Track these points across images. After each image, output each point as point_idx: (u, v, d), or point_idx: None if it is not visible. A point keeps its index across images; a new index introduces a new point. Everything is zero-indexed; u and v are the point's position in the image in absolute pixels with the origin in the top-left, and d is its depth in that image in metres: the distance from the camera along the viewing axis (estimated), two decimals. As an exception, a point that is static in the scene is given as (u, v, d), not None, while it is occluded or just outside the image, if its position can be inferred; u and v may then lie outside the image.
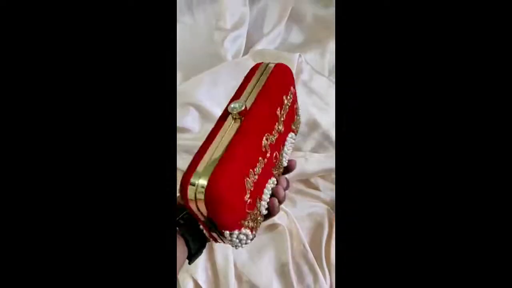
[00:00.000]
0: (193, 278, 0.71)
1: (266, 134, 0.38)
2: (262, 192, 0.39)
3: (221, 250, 0.72)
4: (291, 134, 0.44)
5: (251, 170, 0.35)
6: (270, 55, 0.84)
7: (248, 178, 0.35)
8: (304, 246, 0.72)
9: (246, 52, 0.88)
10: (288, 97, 0.42)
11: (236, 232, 0.36)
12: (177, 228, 0.41)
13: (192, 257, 0.43)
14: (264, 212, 0.40)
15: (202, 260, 0.73)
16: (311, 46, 0.87)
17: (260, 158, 0.37)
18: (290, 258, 0.72)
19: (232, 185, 0.33)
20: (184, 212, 0.41)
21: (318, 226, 0.73)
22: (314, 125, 0.77)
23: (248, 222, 0.37)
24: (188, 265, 0.47)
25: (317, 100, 0.80)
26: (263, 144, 0.37)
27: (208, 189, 0.31)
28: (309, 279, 0.71)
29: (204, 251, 0.72)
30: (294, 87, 0.45)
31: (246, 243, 0.39)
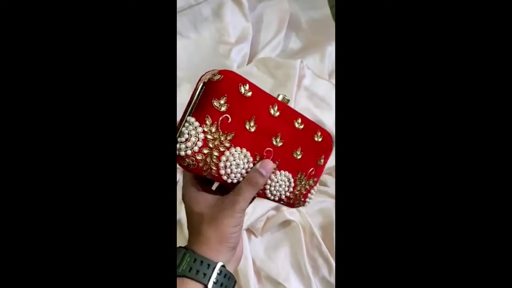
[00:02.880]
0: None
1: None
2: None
3: (239, 249, 0.76)
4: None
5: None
6: (273, 63, 0.89)
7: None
8: (317, 239, 0.76)
9: (250, 61, 0.93)
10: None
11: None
12: (202, 281, 0.37)
13: None
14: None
15: (222, 260, 0.77)
16: (310, 52, 0.92)
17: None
18: (305, 252, 0.75)
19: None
20: (190, 258, 0.39)
21: (329, 220, 0.77)
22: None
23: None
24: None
25: (319, 102, 0.85)
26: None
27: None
28: (324, 270, 0.74)
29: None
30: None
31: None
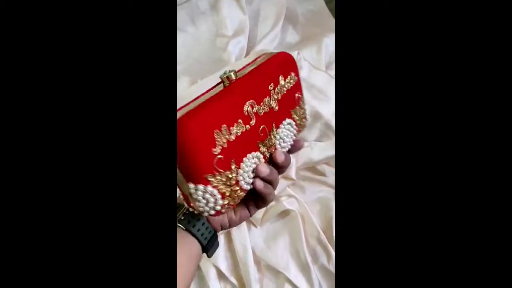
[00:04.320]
0: (215, 266, 0.76)
1: (251, 101, 0.39)
2: (240, 159, 0.39)
3: (239, 239, 0.77)
4: (289, 121, 0.44)
5: (225, 125, 0.36)
6: (270, 55, 0.90)
7: (220, 132, 0.35)
8: (316, 228, 0.77)
9: (247, 54, 0.94)
10: (287, 80, 0.43)
11: (201, 187, 0.35)
12: (181, 225, 0.42)
13: (208, 248, 0.44)
14: (245, 186, 0.40)
15: (222, 250, 0.78)
16: (307, 44, 0.92)
17: (240, 120, 0.37)
18: (304, 241, 0.76)
19: (198, 131, 0.34)
20: (184, 208, 0.43)
21: (327, 209, 0.78)
22: (316, 116, 0.82)
23: (218, 182, 0.36)
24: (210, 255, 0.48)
25: (317, 93, 0.85)
26: (245, 109, 0.38)
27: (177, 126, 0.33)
28: (323, 258, 0.75)
29: (223, 242, 0.78)
30: (296, 76, 0.45)
31: (214, 209, 0.37)
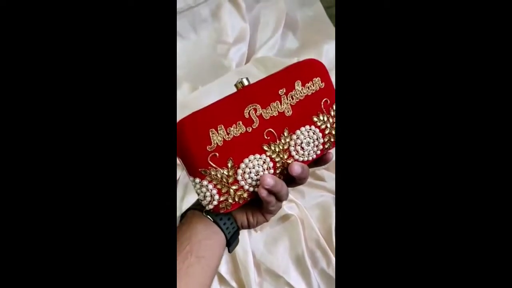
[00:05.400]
0: (216, 270, 0.77)
1: (254, 104, 0.41)
2: (240, 159, 0.41)
3: (240, 243, 0.77)
4: (309, 127, 0.43)
5: (222, 125, 0.40)
6: (271, 62, 0.91)
7: (215, 131, 0.39)
8: (315, 233, 0.77)
9: (247, 61, 0.95)
10: (307, 85, 0.43)
11: (198, 180, 0.40)
12: (209, 217, 0.44)
13: (231, 242, 0.46)
14: (248, 187, 0.41)
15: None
16: (307, 50, 0.94)
17: (239, 122, 0.40)
18: (304, 245, 0.77)
19: (193, 129, 0.39)
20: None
21: (327, 214, 0.79)
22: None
23: (212, 177, 0.40)
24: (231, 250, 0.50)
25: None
26: (246, 111, 0.41)
27: (177, 125, 0.39)
28: (322, 262, 0.76)
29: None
30: (324, 81, 0.44)
31: (211, 203, 0.41)
